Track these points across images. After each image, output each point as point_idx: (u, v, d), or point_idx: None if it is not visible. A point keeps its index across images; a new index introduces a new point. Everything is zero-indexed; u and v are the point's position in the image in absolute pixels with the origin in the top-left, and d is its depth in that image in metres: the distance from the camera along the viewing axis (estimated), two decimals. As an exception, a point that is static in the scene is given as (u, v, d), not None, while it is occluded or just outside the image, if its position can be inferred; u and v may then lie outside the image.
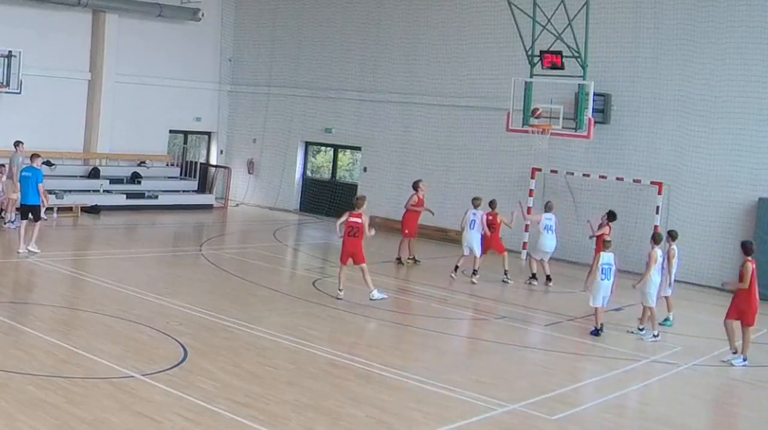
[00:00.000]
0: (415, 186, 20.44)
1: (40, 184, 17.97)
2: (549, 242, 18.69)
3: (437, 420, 9.85)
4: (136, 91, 27.34)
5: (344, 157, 28.97)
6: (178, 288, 15.90)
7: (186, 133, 30.30)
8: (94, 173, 26.13)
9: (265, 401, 9.92)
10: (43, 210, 19.01)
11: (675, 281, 15.79)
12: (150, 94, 27.73)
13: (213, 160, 30.42)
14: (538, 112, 20.42)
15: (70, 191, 24.34)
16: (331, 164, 29.00)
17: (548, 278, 18.86)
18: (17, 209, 19.47)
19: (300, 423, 9.34)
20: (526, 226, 21.53)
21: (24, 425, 8.54)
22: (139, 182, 26.85)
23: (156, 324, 12.87)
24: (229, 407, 9.58)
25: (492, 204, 18.68)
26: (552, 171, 22.07)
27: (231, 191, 29.02)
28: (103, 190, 25.68)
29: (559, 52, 20.21)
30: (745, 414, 11.69)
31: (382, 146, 26.47)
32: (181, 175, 28.73)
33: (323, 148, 29.38)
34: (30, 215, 17.88)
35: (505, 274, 18.69)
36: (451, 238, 23.21)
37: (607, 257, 14.64)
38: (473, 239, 18.34)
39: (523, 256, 21.62)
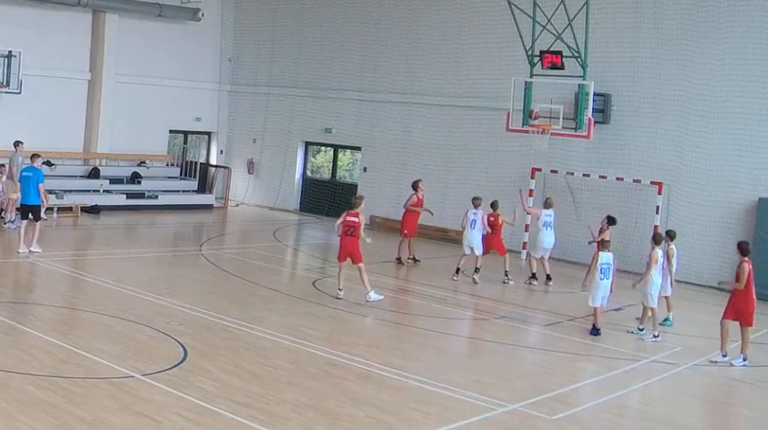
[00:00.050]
0: (415, 186, 20.44)
1: (40, 184, 17.99)
2: (548, 239, 18.72)
3: (437, 420, 9.85)
4: (136, 91, 27.34)
5: (344, 157, 28.97)
6: (178, 288, 15.90)
7: (186, 133, 30.30)
8: (94, 173, 26.13)
9: (265, 401, 9.92)
10: (43, 210, 19.01)
11: (675, 280, 15.78)
12: (150, 94, 27.73)
13: (213, 160, 30.42)
14: (536, 114, 20.41)
15: (70, 191, 24.34)
16: (331, 164, 29.01)
17: (548, 278, 18.86)
18: (17, 209, 19.47)
19: (300, 423, 9.34)
20: (526, 226, 21.52)
21: (24, 425, 8.54)
22: (139, 182, 26.85)
23: (156, 324, 12.87)
24: (229, 407, 9.58)
25: (494, 205, 18.69)
26: (552, 171, 22.07)
27: (231, 191, 29.02)
28: (103, 191, 25.68)
29: (559, 52, 20.21)
30: (745, 414, 11.69)
31: (382, 146, 26.47)
32: (181, 175, 28.74)
33: (323, 148, 29.38)
34: (30, 215, 17.89)
35: (506, 274, 18.69)
36: (451, 238, 23.23)
37: (605, 257, 14.65)
38: (474, 239, 18.35)
39: (523, 256, 21.62)
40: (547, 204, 19.09)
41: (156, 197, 26.56)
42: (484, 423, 9.95)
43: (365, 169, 27.02)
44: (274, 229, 24.59)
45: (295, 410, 9.73)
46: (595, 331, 14.51)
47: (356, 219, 15.70)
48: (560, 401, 11.02)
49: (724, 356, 13.31)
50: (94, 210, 24.51)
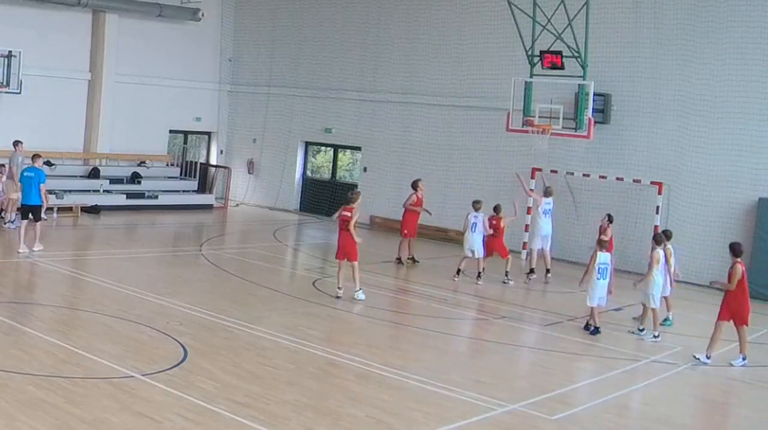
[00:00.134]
0: (415, 185, 20.44)
1: (42, 185, 18.00)
2: (546, 226, 19.08)
3: (437, 420, 9.85)
4: (136, 91, 27.34)
5: (344, 157, 28.97)
6: (178, 288, 15.90)
7: (186, 133, 30.31)
8: (94, 173, 26.13)
9: (265, 401, 9.92)
10: (43, 210, 19.00)
11: (674, 280, 15.76)
12: (150, 94, 27.73)
13: (213, 160, 30.42)
14: (529, 122, 20.39)
15: (70, 191, 24.34)
16: (331, 164, 29.01)
17: (547, 271, 19.03)
18: (18, 209, 19.47)
19: (300, 423, 9.34)
20: (526, 226, 21.51)
21: (24, 425, 8.54)
22: (139, 182, 26.85)
23: (156, 324, 12.87)
24: (229, 407, 9.58)
25: (496, 209, 18.72)
26: (552, 171, 22.07)
27: (231, 191, 29.02)
28: (103, 191, 25.68)
29: (559, 52, 20.21)
30: (745, 414, 11.69)
31: (382, 146, 26.48)
32: (181, 175, 28.74)
33: (323, 148, 29.39)
34: (30, 215, 17.89)
35: (506, 275, 18.72)
36: (451, 238, 23.24)
37: (603, 257, 14.68)
38: (475, 242, 18.37)
39: (523, 256, 21.60)
40: (547, 192, 19.39)
41: (156, 197, 26.56)
42: (484, 423, 9.95)
43: (365, 169, 27.02)
44: (274, 229, 24.60)
45: (295, 410, 9.73)
46: (595, 330, 14.51)
47: (349, 214, 15.71)
48: (560, 401, 11.02)
49: (707, 357, 13.25)
50: (94, 210, 24.51)
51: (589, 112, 20.15)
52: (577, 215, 21.94)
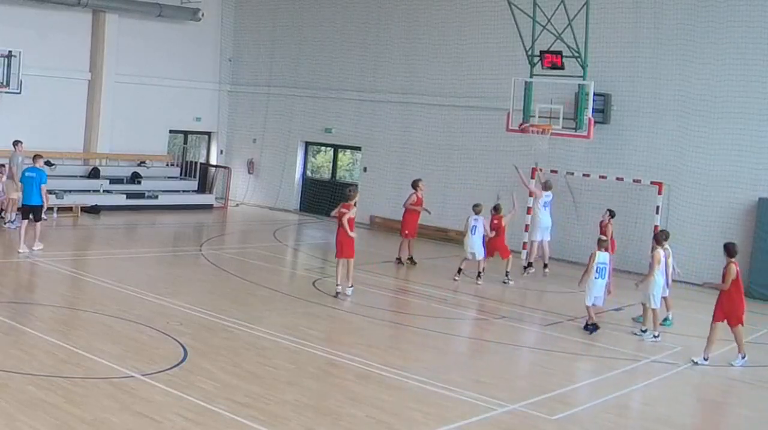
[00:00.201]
0: (415, 185, 20.44)
1: (42, 185, 18.00)
2: (545, 218, 19.36)
3: (437, 420, 9.85)
4: (136, 91, 27.34)
5: (344, 157, 28.97)
6: (178, 288, 15.90)
7: (186, 133, 30.31)
8: (94, 173, 26.13)
9: (265, 401, 9.92)
10: (43, 210, 19.00)
11: (672, 280, 15.73)
12: (150, 94, 27.73)
13: (213, 160, 30.42)
14: (525, 127, 20.38)
15: (70, 191, 24.34)
16: (331, 164, 29.01)
17: (545, 266, 19.10)
18: (18, 209, 19.47)
19: (300, 423, 9.34)
20: (526, 226, 21.50)
21: (24, 425, 8.54)
22: (139, 182, 26.86)
23: (156, 324, 12.86)
24: (229, 407, 9.58)
25: (497, 208, 18.76)
26: (552, 171, 22.05)
27: (231, 191, 29.02)
28: (103, 190, 25.68)
29: (559, 52, 20.20)
30: (745, 414, 11.68)
31: (382, 146, 26.48)
32: (181, 175, 28.74)
33: (323, 148, 29.39)
34: (31, 216, 17.90)
35: (506, 275, 18.73)
36: (451, 238, 23.25)
37: (602, 257, 14.70)
38: (475, 244, 18.38)
39: (523, 256, 21.58)
40: (546, 186, 19.60)
41: (156, 197, 26.56)
42: (484, 423, 9.95)
43: (365, 169, 27.03)
44: (274, 229, 24.60)
45: (295, 410, 9.73)
46: (593, 327, 14.53)
47: (347, 210, 15.77)
48: (560, 401, 11.02)
49: (705, 359, 13.25)
50: (94, 210, 24.51)
51: (589, 112, 20.15)
52: (577, 215, 21.94)
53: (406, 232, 20.15)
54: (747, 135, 19.94)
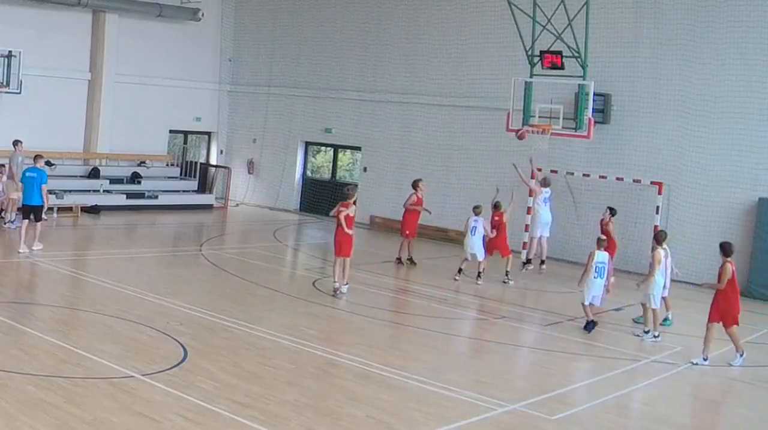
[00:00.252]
0: (415, 185, 20.44)
1: (43, 185, 18.01)
2: (545, 214, 19.55)
3: (437, 420, 9.85)
4: (136, 91, 27.34)
5: (344, 157, 28.97)
6: (178, 288, 15.90)
7: (186, 133, 30.31)
8: (94, 173, 26.14)
9: (265, 401, 9.93)
10: (43, 211, 19.01)
11: (672, 281, 15.72)
12: (150, 94, 27.73)
13: (213, 160, 30.43)
14: (521, 134, 20.37)
15: (70, 191, 24.34)
16: (331, 164, 29.01)
17: (542, 262, 19.13)
18: (19, 209, 19.46)
19: (300, 423, 9.34)
20: (526, 226, 21.50)
21: (24, 425, 8.54)
22: (139, 182, 26.86)
23: (156, 324, 12.87)
24: (229, 407, 9.58)
25: (497, 205, 18.77)
26: (552, 171, 22.05)
27: (231, 191, 29.02)
28: (103, 190, 25.68)
29: (559, 52, 20.20)
30: (745, 414, 11.68)
31: (382, 146, 26.48)
32: (181, 175, 28.74)
33: (323, 148, 29.39)
34: (31, 216, 17.90)
35: (506, 274, 18.74)
36: (451, 238, 23.25)
37: (601, 256, 14.72)
38: (475, 245, 18.39)
39: (523, 255, 21.57)
40: (545, 182, 19.73)
41: (156, 197, 26.57)
42: (484, 423, 9.95)
43: (365, 169, 27.03)
44: (274, 229, 24.60)
45: (295, 410, 9.73)
46: (591, 324, 14.54)
47: (344, 209, 15.82)
48: (560, 401, 11.02)
49: (705, 359, 13.25)
50: (94, 210, 24.51)
51: (589, 112, 20.14)
52: (577, 215, 21.94)
53: (407, 232, 20.15)
54: (747, 135, 19.94)
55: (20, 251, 17.58)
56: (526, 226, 21.63)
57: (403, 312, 16.04)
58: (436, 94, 25.14)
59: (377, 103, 26.65)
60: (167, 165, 28.76)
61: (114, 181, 26.28)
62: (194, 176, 28.77)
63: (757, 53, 19.74)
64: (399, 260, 20.22)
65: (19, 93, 23.65)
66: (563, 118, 20.27)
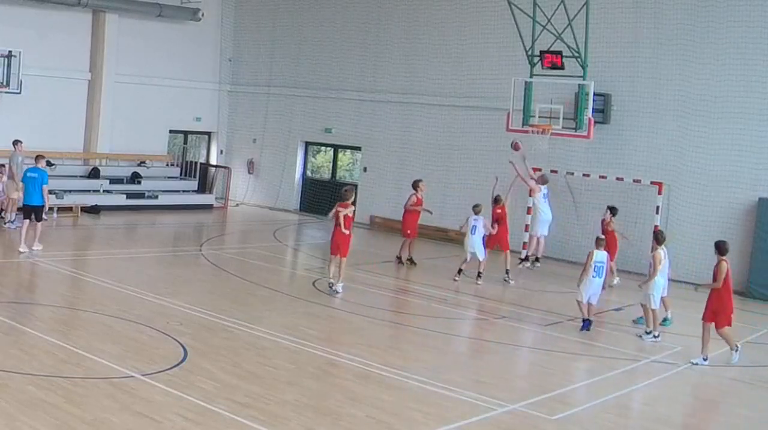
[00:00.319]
0: (415, 186, 20.45)
1: (44, 185, 18.01)
2: (546, 210, 19.56)
3: (437, 420, 9.85)
4: (136, 91, 27.35)
5: (344, 157, 28.97)
6: (178, 288, 15.90)
7: (186, 133, 30.31)
8: (94, 173, 26.14)
9: (265, 401, 9.93)
10: (44, 211, 19.00)
11: (670, 280, 15.69)
12: (150, 94, 27.74)
13: (213, 160, 30.43)
14: (516, 145, 20.36)
15: (70, 191, 24.34)
16: (331, 164, 29.01)
17: (536, 259, 19.31)
18: (19, 209, 19.45)
19: (300, 423, 9.34)
20: (526, 226, 21.50)
21: (24, 425, 8.54)
22: (139, 182, 26.86)
23: (156, 324, 12.87)
24: (229, 407, 9.58)
25: (497, 199, 18.81)
26: (552, 171, 22.05)
27: (231, 191, 29.03)
28: (103, 190, 25.68)
29: (559, 52, 20.20)
30: (745, 414, 11.68)
31: (382, 146, 26.48)
32: (181, 175, 28.74)
33: (323, 148, 29.39)
34: (32, 216, 17.90)
35: (507, 273, 18.75)
36: (451, 238, 23.23)
37: (600, 256, 14.73)
38: (475, 244, 18.39)
39: (523, 255, 21.57)
40: (542, 180, 19.73)
41: (156, 197, 26.57)
42: (484, 423, 9.95)
43: (365, 169, 27.03)
44: (274, 229, 24.60)
45: (295, 410, 9.73)
46: (587, 322, 14.56)
47: (341, 209, 15.87)
48: (560, 401, 11.02)
49: (704, 359, 13.25)
50: (94, 210, 24.51)
51: (589, 112, 20.14)
52: (577, 215, 21.94)
53: (408, 232, 20.16)
54: (747, 135, 19.94)
55: (20, 250, 17.58)
56: (527, 225, 21.65)
57: (403, 312, 16.05)
58: (436, 94, 25.14)
59: (377, 103, 26.65)
60: (167, 165, 28.76)
61: (114, 181, 26.28)
62: (194, 176, 28.78)
63: (757, 53, 19.74)
64: (399, 259, 20.21)
65: (19, 93, 23.65)
66: (563, 118, 20.28)
